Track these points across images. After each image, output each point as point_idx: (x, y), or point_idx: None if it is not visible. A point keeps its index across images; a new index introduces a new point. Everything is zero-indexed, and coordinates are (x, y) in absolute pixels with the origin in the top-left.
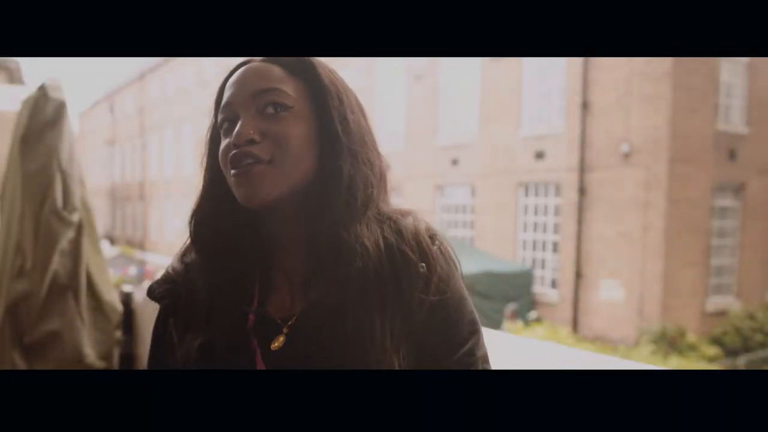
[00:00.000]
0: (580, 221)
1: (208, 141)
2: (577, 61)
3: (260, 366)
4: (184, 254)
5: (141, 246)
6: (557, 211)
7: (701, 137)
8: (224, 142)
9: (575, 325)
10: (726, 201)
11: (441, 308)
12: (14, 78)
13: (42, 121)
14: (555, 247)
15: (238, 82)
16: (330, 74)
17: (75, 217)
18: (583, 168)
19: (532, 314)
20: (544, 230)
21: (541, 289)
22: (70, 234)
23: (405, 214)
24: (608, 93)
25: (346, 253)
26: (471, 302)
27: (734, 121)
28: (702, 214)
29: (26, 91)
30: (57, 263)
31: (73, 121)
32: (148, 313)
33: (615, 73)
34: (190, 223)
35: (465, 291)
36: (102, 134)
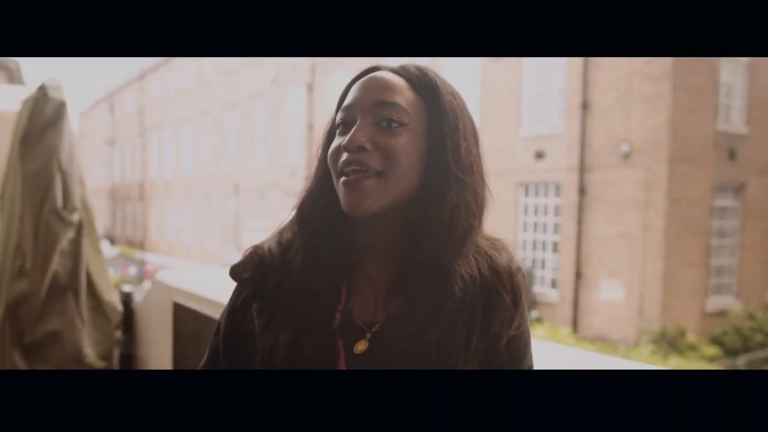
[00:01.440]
0: (580, 221)
1: (326, 135)
2: (577, 61)
3: (342, 367)
4: (281, 234)
5: (141, 246)
6: (557, 211)
7: (701, 137)
8: (336, 142)
9: (575, 325)
10: (726, 201)
11: (514, 342)
12: (14, 78)
13: (42, 121)
14: (555, 247)
15: (363, 88)
16: (452, 98)
17: (75, 217)
18: (583, 168)
19: (533, 314)
20: (544, 230)
21: (541, 289)
22: (70, 234)
23: (499, 248)
24: (608, 93)
25: (442, 278)
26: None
27: (734, 121)
28: (702, 214)
29: (26, 91)
30: (57, 263)
31: (73, 121)
32: (148, 313)
33: (615, 73)
34: (297, 210)
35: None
36: (102, 134)
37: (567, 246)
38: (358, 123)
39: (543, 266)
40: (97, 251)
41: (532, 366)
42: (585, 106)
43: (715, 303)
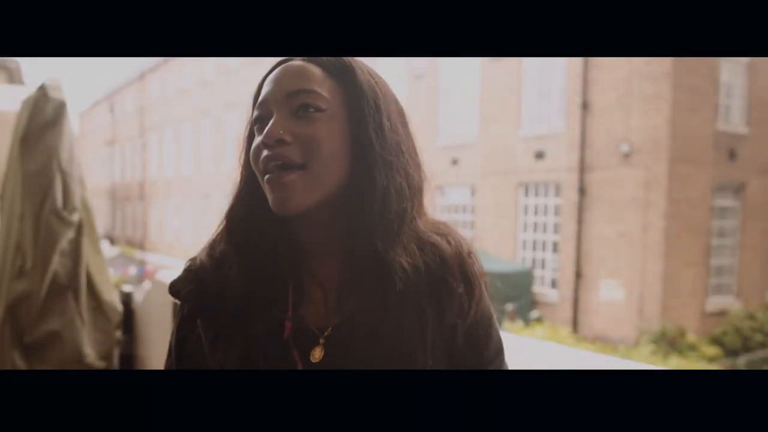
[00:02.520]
0: (580, 221)
1: (246, 138)
2: (577, 61)
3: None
4: (212, 247)
5: (141, 246)
6: (557, 211)
7: (701, 137)
8: (256, 140)
9: (575, 325)
10: (726, 201)
11: (473, 329)
12: (14, 78)
13: (42, 121)
14: (555, 247)
15: (276, 80)
16: (369, 78)
17: (75, 217)
18: (583, 168)
19: (533, 314)
20: (544, 230)
21: (541, 289)
22: (70, 234)
23: (443, 233)
24: (608, 93)
25: (383, 270)
26: (496, 318)
27: (734, 121)
28: (702, 214)
29: (26, 91)
30: (57, 263)
31: (73, 121)
32: (148, 313)
33: (615, 73)
34: (225, 219)
35: (491, 307)
36: (102, 134)
37: (567, 246)
38: (274, 116)
39: (543, 266)
40: (97, 251)
41: (501, 350)
42: (585, 106)
43: (715, 303)
